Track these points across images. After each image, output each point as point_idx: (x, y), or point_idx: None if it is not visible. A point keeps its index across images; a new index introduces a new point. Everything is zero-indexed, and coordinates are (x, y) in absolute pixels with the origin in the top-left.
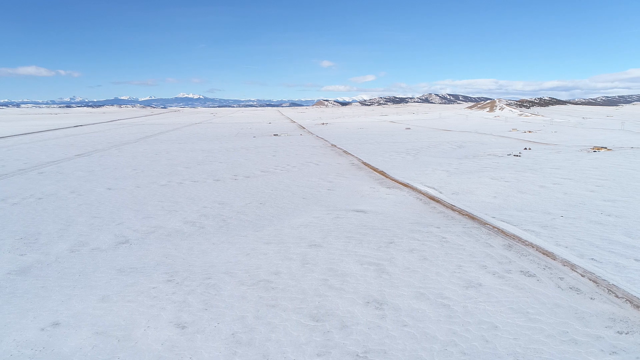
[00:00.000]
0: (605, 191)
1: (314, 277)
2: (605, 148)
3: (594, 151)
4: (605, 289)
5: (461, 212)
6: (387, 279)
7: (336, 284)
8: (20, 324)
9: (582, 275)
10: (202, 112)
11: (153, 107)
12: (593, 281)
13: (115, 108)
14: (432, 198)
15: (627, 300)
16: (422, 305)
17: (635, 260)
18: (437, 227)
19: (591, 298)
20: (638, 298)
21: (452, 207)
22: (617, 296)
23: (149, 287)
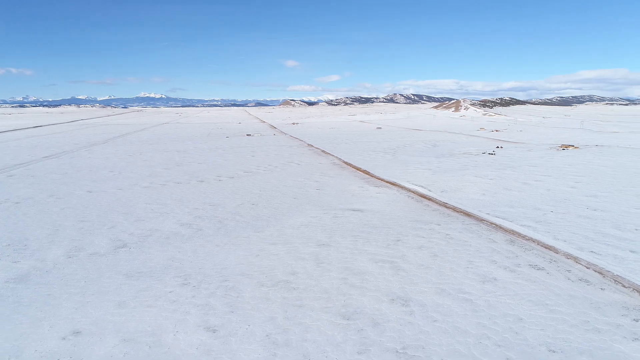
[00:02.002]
0: (585, 187)
1: (333, 276)
2: (573, 146)
3: (563, 149)
4: (611, 279)
5: (455, 209)
6: (404, 276)
7: (356, 282)
8: (37, 334)
9: (587, 267)
10: (166, 112)
11: (113, 106)
12: (598, 272)
13: (73, 108)
14: (423, 196)
15: (634, 289)
16: (446, 300)
17: (631, 251)
18: (438, 224)
19: (601, 288)
20: None
21: (445, 205)
22: (624, 286)
23: (165, 292)
